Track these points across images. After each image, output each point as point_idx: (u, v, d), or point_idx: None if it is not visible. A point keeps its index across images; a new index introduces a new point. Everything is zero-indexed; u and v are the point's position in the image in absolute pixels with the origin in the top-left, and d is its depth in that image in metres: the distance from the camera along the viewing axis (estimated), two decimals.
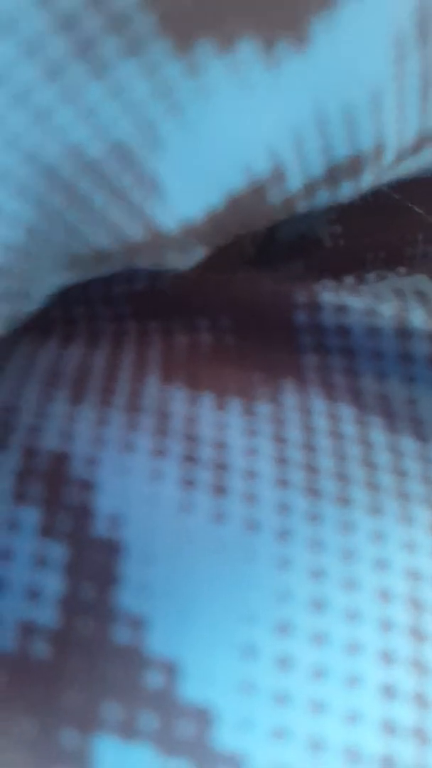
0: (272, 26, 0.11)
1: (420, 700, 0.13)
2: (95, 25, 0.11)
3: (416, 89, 0.13)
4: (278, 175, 0.14)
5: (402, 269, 0.19)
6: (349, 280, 0.18)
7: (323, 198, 0.15)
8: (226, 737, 0.12)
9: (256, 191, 0.14)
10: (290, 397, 0.16)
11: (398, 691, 0.13)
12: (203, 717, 0.12)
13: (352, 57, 0.12)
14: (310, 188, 0.14)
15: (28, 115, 0.11)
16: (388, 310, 0.16)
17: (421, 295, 0.17)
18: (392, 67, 0.12)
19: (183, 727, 0.12)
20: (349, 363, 0.16)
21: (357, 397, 0.16)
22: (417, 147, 0.14)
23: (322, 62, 0.12)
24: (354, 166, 0.14)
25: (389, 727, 0.13)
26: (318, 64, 0.12)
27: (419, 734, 0.13)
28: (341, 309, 0.17)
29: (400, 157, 0.15)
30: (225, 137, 0.13)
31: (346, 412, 0.16)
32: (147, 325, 0.17)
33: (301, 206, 0.15)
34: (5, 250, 0.13)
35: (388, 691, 0.13)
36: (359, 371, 0.16)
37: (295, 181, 0.14)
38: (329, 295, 0.17)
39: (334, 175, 0.14)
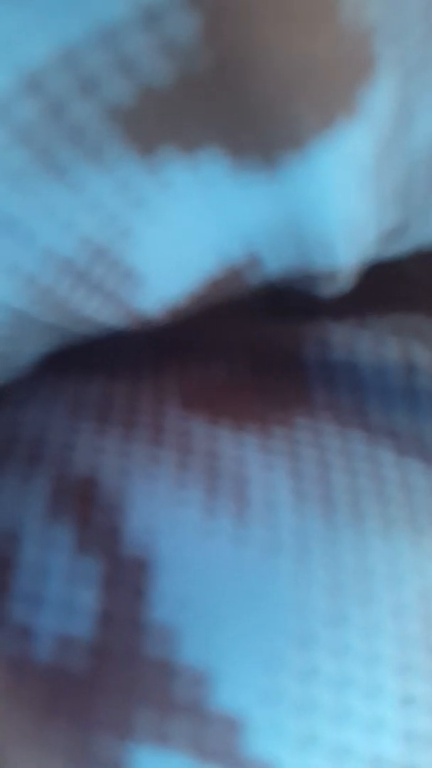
0: (238, 146, 0.12)
1: None
2: (53, 135, 0.11)
3: (380, 201, 0.14)
4: (254, 262, 0.14)
5: (401, 310, 0.20)
6: (351, 321, 0.19)
7: (302, 288, 0.16)
8: (257, 744, 0.13)
9: (234, 274, 0.14)
10: (303, 432, 0.16)
11: (416, 700, 0.13)
12: (234, 725, 0.13)
13: (321, 190, 0.12)
14: (288, 278, 0.15)
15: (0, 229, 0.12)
16: (391, 349, 0.18)
17: (420, 335, 0.18)
18: (360, 195, 0.13)
19: (215, 734, 0.13)
20: (358, 398, 0.17)
21: (366, 430, 0.17)
22: (379, 244, 0.15)
23: (291, 190, 0.12)
24: (330, 275, 0.15)
25: (409, 736, 0.13)
26: (287, 191, 0.12)
27: None
28: (348, 347, 0.18)
29: (368, 257, 0.15)
30: (195, 229, 0.13)
31: (357, 444, 0.16)
32: (163, 359, 0.18)
33: (282, 284, 0.16)
34: None
35: (407, 701, 0.13)
36: (367, 406, 0.17)
37: (272, 269, 0.14)
38: (336, 334, 0.18)
39: (310, 277, 0.15)
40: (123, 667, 0.13)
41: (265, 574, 0.14)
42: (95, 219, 0.12)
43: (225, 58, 0.10)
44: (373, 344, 0.18)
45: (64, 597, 0.13)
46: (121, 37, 0.10)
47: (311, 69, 0.11)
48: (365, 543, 0.15)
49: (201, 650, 0.13)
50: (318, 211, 0.13)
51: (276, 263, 0.14)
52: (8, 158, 0.11)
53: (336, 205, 0.13)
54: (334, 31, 0.10)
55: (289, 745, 0.13)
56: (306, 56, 0.10)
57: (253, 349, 0.18)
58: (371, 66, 0.11)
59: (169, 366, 0.18)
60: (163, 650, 0.13)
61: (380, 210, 0.14)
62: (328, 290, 0.16)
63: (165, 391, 0.17)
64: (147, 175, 0.12)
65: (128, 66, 0.10)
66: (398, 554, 0.15)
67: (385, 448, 0.16)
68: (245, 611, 0.14)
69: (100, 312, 0.14)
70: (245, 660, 0.13)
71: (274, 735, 0.13)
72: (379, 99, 0.12)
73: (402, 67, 0.12)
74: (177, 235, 0.13)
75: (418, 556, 0.15)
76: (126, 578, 0.14)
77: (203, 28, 0.10)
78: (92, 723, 0.13)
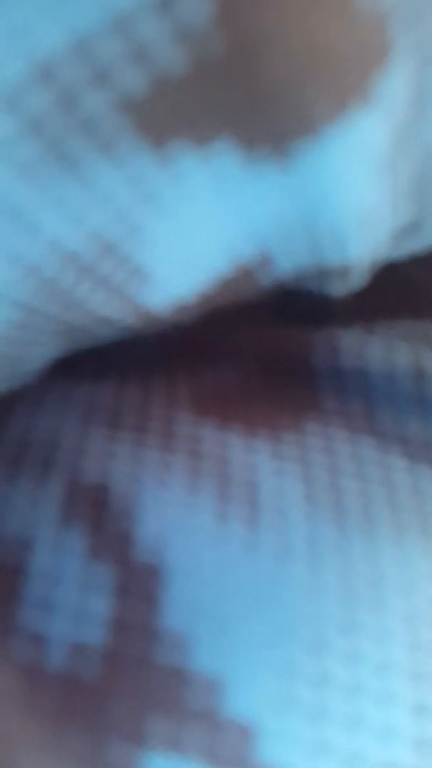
0: (251, 137, 0.11)
1: None
2: (64, 126, 0.11)
3: (394, 194, 0.13)
4: (266, 260, 0.14)
5: (410, 317, 0.20)
6: (360, 328, 0.19)
7: (314, 286, 0.16)
8: (269, 751, 0.13)
9: (245, 274, 0.14)
10: (314, 438, 0.17)
11: (429, 708, 0.13)
12: (247, 732, 0.13)
13: (335, 179, 0.12)
14: (299, 276, 0.15)
15: (4, 217, 0.11)
16: (401, 355, 0.18)
17: (430, 341, 0.18)
18: (374, 185, 0.13)
19: (228, 741, 0.13)
20: (368, 405, 0.17)
21: (376, 437, 0.17)
22: (393, 241, 0.15)
23: (304, 180, 0.12)
24: (343, 270, 0.15)
25: (422, 744, 0.13)
26: (300, 182, 0.12)
27: None
28: (358, 353, 0.18)
29: (383, 254, 0.15)
30: (207, 226, 0.13)
31: (367, 450, 0.16)
32: (174, 366, 0.18)
33: (293, 285, 0.16)
34: None
35: (420, 709, 0.13)
36: (377, 413, 0.17)
37: (284, 268, 0.14)
38: (346, 340, 0.18)
39: (323, 272, 0.15)
40: (135, 674, 0.13)
41: (277, 580, 0.14)
42: (105, 212, 0.12)
43: (239, 44, 0.10)
44: (382, 350, 0.18)
45: (76, 604, 0.13)
46: (134, 25, 0.10)
47: (325, 54, 0.11)
48: (377, 549, 0.15)
49: (213, 657, 0.13)
50: (331, 200, 0.13)
51: (288, 261, 0.14)
52: (19, 148, 0.11)
53: (349, 194, 0.12)
54: (349, 16, 0.10)
55: (301, 751, 0.13)
56: (320, 41, 0.10)
57: (263, 356, 0.18)
58: (386, 53, 0.11)
59: (180, 372, 0.18)
60: (175, 657, 0.13)
61: (395, 202, 0.14)
62: (340, 288, 0.15)
63: (176, 397, 0.17)
64: (159, 168, 0.12)
65: (141, 55, 0.10)
66: (410, 561, 0.15)
67: (395, 454, 0.16)
68: (257, 618, 0.14)
69: (105, 306, 0.14)
70: (258, 667, 0.13)
71: (287, 742, 0.13)
72: (394, 86, 0.12)
73: (417, 55, 0.12)
74: (188, 231, 0.13)
75: (430, 563, 0.15)
76: (138, 585, 0.14)
77: (217, 13, 0.10)
78: (105, 730, 0.13)
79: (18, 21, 0.09)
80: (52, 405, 0.17)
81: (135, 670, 0.13)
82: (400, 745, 0.13)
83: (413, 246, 0.16)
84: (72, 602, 0.13)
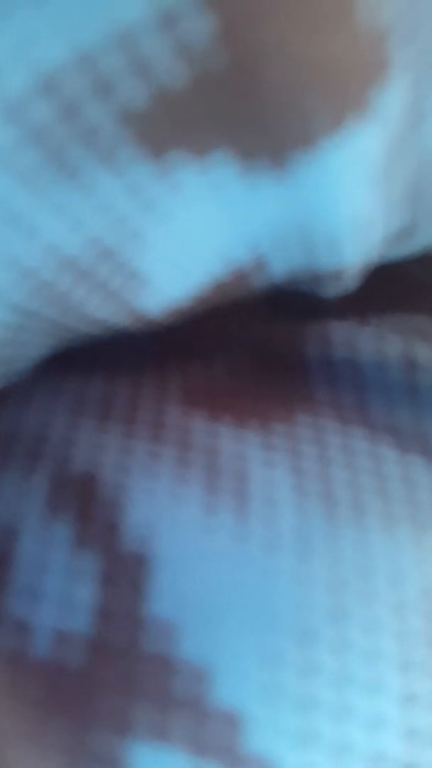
0: (248, 148, 0.12)
1: None
2: (65, 136, 0.11)
3: (389, 202, 0.14)
4: (260, 264, 0.14)
5: (402, 311, 0.20)
6: (353, 321, 0.19)
7: (307, 288, 0.16)
8: (256, 740, 0.13)
9: (240, 277, 0.14)
10: (304, 428, 0.16)
11: (418, 697, 0.13)
12: (233, 721, 0.13)
13: (331, 190, 0.12)
14: (293, 279, 0.15)
15: (2, 222, 0.11)
16: (393, 346, 0.18)
17: (423, 334, 0.18)
18: (370, 195, 0.13)
19: (214, 731, 0.13)
20: (359, 396, 0.17)
21: (368, 427, 0.17)
22: (387, 245, 0.15)
23: (300, 190, 0.12)
24: (336, 275, 0.15)
25: (411, 733, 0.13)
26: (297, 192, 0.12)
27: None
28: (350, 345, 0.18)
29: (375, 257, 0.15)
30: (204, 232, 0.13)
31: (358, 440, 0.16)
32: (165, 358, 0.18)
33: (287, 287, 0.16)
34: None
35: (409, 698, 0.13)
36: (369, 403, 0.17)
37: (278, 271, 0.14)
38: (339, 332, 0.18)
39: (316, 276, 0.15)
40: (121, 663, 0.13)
41: (266, 569, 0.14)
42: (103, 219, 0.12)
43: (239, 59, 0.10)
44: (375, 342, 0.18)
45: (62, 592, 0.13)
46: (137, 39, 0.10)
47: (325, 69, 0.11)
48: (367, 539, 0.15)
49: (200, 646, 0.13)
50: (327, 209, 0.13)
51: (282, 266, 0.14)
52: (20, 156, 0.11)
53: (345, 203, 0.13)
54: (350, 32, 0.11)
55: (289, 741, 0.13)
56: (320, 56, 0.11)
57: (255, 347, 0.18)
58: (385, 66, 0.11)
59: (170, 364, 0.18)
60: (161, 646, 0.13)
61: (389, 210, 0.14)
62: (332, 290, 0.16)
63: (166, 389, 0.17)
64: (157, 178, 0.12)
65: (143, 68, 0.10)
66: (400, 550, 0.15)
67: (386, 444, 0.16)
68: (245, 607, 0.14)
69: (101, 309, 0.14)
70: (245, 656, 0.13)
71: (274, 731, 0.13)
72: (391, 100, 0.12)
73: (414, 68, 0.12)
74: (185, 237, 0.13)
75: (419, 553, 0.15)
76: (125, 574, 0.14)
77: (218, 30, 0.10)
78: (90, 718, 0.13)
79: (24, 34, 0.10)
80: (42, 398, 0.17)
81: (121, 659, 0.13)
82: (388, 735, 0.13)
83: (405, 249, 0.16)
84: (58, 590, 0.13)
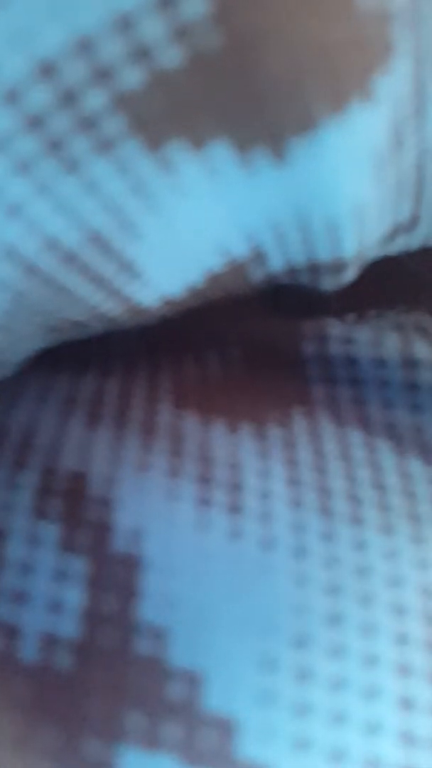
0: (247, 136, 0.11)
1: None
2: (64, 124, 0.11)
3: (391, 192, 0.14)
4: (258, 256, 0.14)
5: (402, 306, 0.19)
6: (351, 317, 0.19)
7: (305, 281, 0.16)
8: (249, 747, 0.12)
9: (236, 269, 0.14)
10: (300, 423, 0.16)
11: (416, 702, 0.13)
12: (226, 727, 0.12)
13: (332, 176, 0.12)
14: (291, 271, 0.15)
15: (1, 211, 0.11)
16: (391, 343, 0.17)
17: (422, 330, 0.18)
18: (371, 182, 0.13)
19: (206, 737, 0.12)
20: (357, 392, 0.17)
21: (365, 424, 0.16)
22: (389, 238, 0.15)
23: (300, 177, 0.12)
24: (336, 266, 0.14)
25: (408, 739, 0.13)
26: (296, 178, 0.12)
27: None
28: (348, 341, 0.17)
29: (376, 251, 0.15)
30: (201, 223, 0.13)
31: (355, 436, 0.16)
32: (157, 358, 0.17)
33: (286, 281, 0.16)
34: None
35: (406, 703, 0.13)
36: (366, 400, 0.17)
37: (276, 263, 0.14)
38: (336, 328, 0.17)
39: (315, 268, 0.15)
40: (111, 667, 0.13)
41: (260, 571, 0.14)
42: (99, 207, 0.12)
43: (237, 40, 0.10)
44: (372, 338, 0.17)
45: (50, 595, 0.13)
46: (135, 23, 0.10)
47: (325, 51, 0.11)
48: (363, 538, 0.14)
49: (192, 650, 0.13)
50: (327, 197, 0.12)
51: (280, 257, 0.14)
52: (17, 142, 0.11)
53: (346, 190, 0.12)
54: (351, 14, 0.10)
55: (283, 747, 0.12)
56: (320, 38, 0.10)
57: (249, 344, 0.18)
58: (388, 50, 0.11)
59: (163, 362, 0.17)
60: (152, 650, 0.13)
61: (390, 200, 0.14)
62: (331, 283, 0.15)
63: (158, 388, 0.17)
64: (155, 168, 0.12)
65: (141, 53, 0.10)
66: (398, 550, 0.14)
67: (383, 441, 0.16)
68: (239, 610, 0.13)
69: (93, 297, 0.14)
70: (238, 660, 0.13)
71: (269, 737, 0.12)
72: (394, 85, 0.12)
73: (417, 52, 0.12)
74: (182, 228, 0.13)
75: (418, 553, 0.14)
76: (114, 576, 0.13)
77: (215, 10, 0.10)
78: (79, 724, 0.12)
79: (21, 19, 0.10)
80: (32, 395, 0.16)
81: (110, 663, 0.13)
82: (385, 740, 0.13)
83: (408, 243, 0.16)
84: (45, 593, 0.13)
